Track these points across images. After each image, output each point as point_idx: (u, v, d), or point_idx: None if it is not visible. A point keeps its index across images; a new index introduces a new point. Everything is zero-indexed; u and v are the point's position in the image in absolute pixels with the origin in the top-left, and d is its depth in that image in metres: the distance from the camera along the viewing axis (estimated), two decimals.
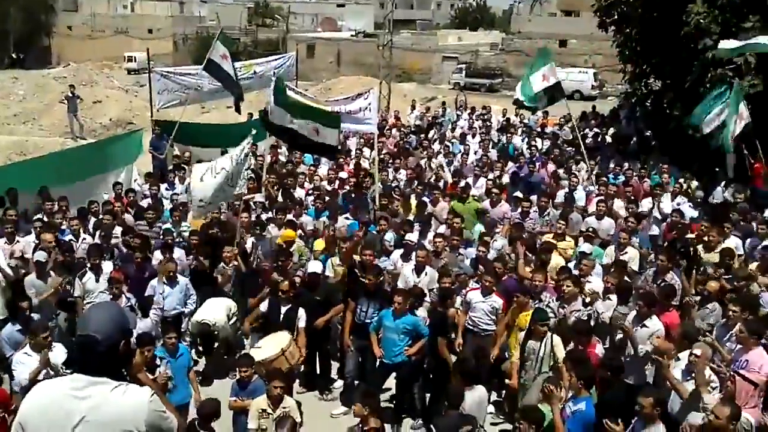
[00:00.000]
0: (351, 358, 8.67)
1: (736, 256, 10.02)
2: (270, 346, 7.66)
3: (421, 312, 8.47)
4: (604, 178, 13.86)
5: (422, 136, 20.18)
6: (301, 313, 8.34)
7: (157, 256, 10.13)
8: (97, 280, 9.21)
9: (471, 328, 8.56)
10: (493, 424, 8.14)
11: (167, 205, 12.55)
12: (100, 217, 11.30)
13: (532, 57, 18.80)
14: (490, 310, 8.46)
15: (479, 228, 11.29)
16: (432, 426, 6.24)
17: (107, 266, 9.47)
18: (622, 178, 14.57)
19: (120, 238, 10.72)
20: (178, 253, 10.26)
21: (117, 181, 13.13)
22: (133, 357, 3.25)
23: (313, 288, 8.94)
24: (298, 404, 6.81)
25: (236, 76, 16.09)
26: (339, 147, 12.49)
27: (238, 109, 17.42)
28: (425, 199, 12.65)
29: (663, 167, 14.63)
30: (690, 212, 12.04)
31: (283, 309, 8.36)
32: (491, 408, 8.21)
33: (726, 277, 9.10)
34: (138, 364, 3.27)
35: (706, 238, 10.29)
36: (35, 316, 8.05)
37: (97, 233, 10.84)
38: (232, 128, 19.22)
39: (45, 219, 10.85)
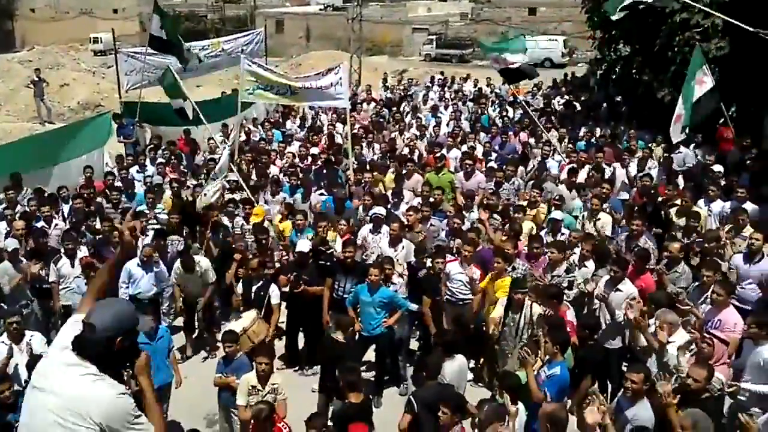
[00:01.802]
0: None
1: (706, 218, 10.18)
2: (234, 326, 7.74)
3: (397, 279, 8.54)
4: (571, 146, 13.91)
5: (394, 109, 20.12)
6: (273, 289, 8.39)
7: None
8: (73, 265, 9.19)
9: (449, 298, 8.66)
10: (472, 391, 8.24)
11: (139, 187, 12.44)
12: (71, 203, 11.19)
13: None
14: (468, 280, 8.54)
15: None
16: (412, 396, 6.27)
17: (82, 251, 9.42)
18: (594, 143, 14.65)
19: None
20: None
21: (87, 165, 12.95)
22: (136, 358, 3.30)
23: (303, 266, 8.94)
24: None
25: (176, 43, 15.72)
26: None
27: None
28: (403, 171, 12.63)
29: (631, 132, 14.74)
30: (659, 176, 12.14)
31: (254, 287, 8.40)
32: (470, 375, 8.30)
33: (698, 240, 9.24)
34: (140, 366, 3.33)
35: (678, 202, 10.40)
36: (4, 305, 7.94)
37: (68, 218, 10.74)
38: (200, 106, 18.98)
39: (5, 206, 10.67)
